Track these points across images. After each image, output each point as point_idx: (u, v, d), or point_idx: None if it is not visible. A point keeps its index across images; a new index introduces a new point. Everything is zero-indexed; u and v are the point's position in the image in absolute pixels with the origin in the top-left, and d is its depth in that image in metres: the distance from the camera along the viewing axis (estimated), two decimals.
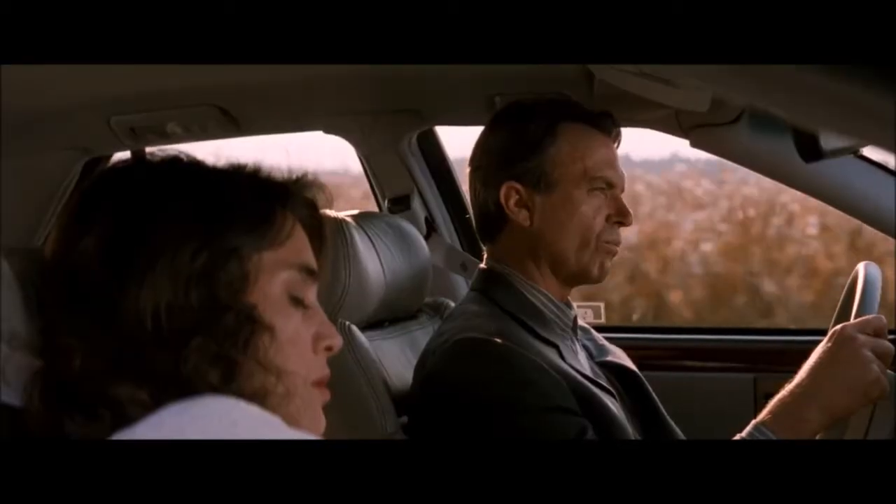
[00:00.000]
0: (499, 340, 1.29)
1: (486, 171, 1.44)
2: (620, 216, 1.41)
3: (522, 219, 1.41)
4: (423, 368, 1.37)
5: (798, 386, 1.22)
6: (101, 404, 0.71)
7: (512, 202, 1.41)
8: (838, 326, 1.24)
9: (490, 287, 1.42)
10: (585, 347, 1.50)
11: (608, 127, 1.44)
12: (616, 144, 1.46)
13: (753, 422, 1.24)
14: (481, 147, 1.46)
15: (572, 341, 1.43)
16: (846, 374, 1.19)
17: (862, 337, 1.20)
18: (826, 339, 1.25)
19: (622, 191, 1.43)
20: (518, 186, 1.40)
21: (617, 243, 1.42)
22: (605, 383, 1.39)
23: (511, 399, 1.26)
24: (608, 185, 1.41)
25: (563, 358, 1.34)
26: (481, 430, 1.25)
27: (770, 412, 1.23)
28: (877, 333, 1.22)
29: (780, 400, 1.23)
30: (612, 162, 1.42)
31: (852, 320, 1.29)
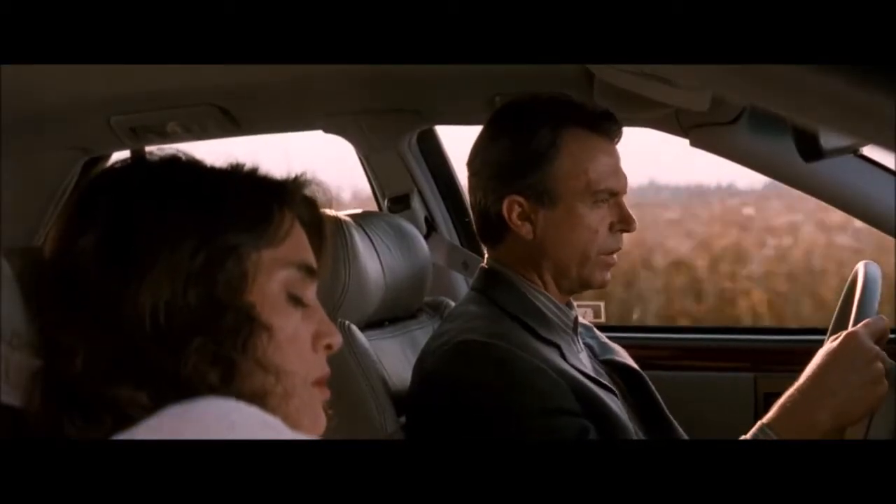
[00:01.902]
0: (498, 343, 1.29)
1: (488, 181, 1.42)
2: (623, 223, 1.40)
3: (525, 232, 1.40)
4: (422, 369, 1.37)
5: (806, 388, 1.21)
6: (100, 406, 0.71)
7: (515, 216, 1.40)
8: (848, 330, 1.23)
9: (490, 287, 1.42)
10: (588, 346, 1.50)
11: (610, 130, 1.42)
12: (616, 141, 1.44)
13: (759, 423, 1.23)
14: (480, 153, 1.44)
15: (574, 341, 1.43)
16: (856, 381, 1.18)
17: (874, 346, 1.19)
18: (833, 340, 1.24)
19: (625, 193, 1.42)
20: (521, 200, 1.39)
21: (619, 249, 1.42)
22: (606, 382, 1.39)
23: (511, 402, 1.26)
24: (611, 194, 1.40)
25: (564, 358, 1.34)
26: (481, 432, 1.25)
27: (777, 413, 1.22)
28: (881, 335, 1.22)
29: (787, 401, 1.22)
30: (614, 169, 1.40)
31: (853, 319, 1.28)
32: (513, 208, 1.39)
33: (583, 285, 1.42)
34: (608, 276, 1.42)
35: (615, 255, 1.42)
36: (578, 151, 1.39)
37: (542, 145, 1.38)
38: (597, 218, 1.39)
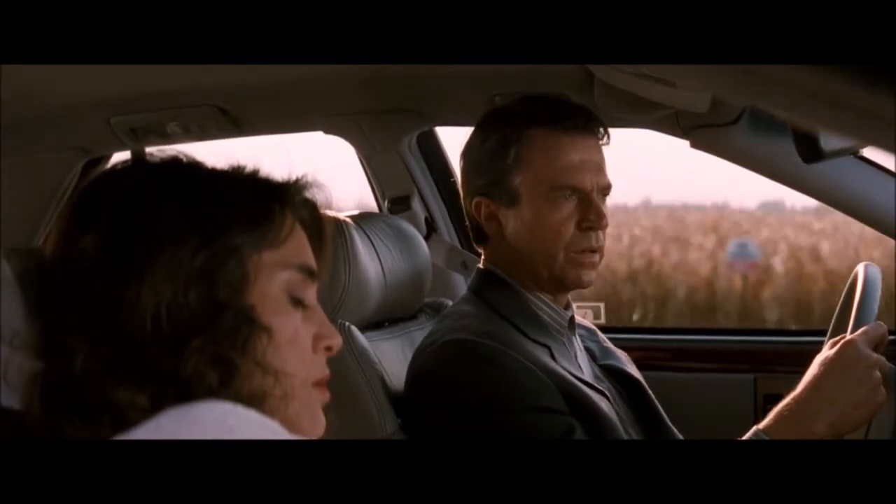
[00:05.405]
0: (486, 341, 1.29)
1: (463, 181, 1.45)
2: (590, 220, 1.36)
3: (495, 231, 1.41)
4: (413, 368, 1.37)
5: (803, 397, 1.20)
6: (100, 408, 0.71)
7: (483, 216, 1.41)
8: (846, 338, 1.22)
9: (484, 288, 1.42)
10: (589, 349, 1.50)
11: (582, 126, 1.38)
12: (598, 140, 1.39)
13: (755, 428, 1.22)
14: (461, 154, 1.46)
15: (568, 342, 1.42)
16: (854, 390, 1.18)
17: (872, 354, 1.19)
18: (830, 347, 1.23)
19: (597, 191, 1.37)
20: (486, 201, 1.40)
21: (593, 249, 1.37)
22: (600, 385, 1.38)
23: (497, 400, 1.26)
24: (573, 190, 1.36)
25: (553, 359, 1.34)
26: (469, 430, 1.25)
27: (773, 420, 1.21)
28: (879, 342, 1.21)
29: (784, 409, 1.21)
30: (578, 166, 1.36)
31: (852, 321, 1.28)
32: (480, 209, 1.41)
33: (558, 285, 1.39)
34: (588, 275, 1.38)
35: (595, 254, 1.38)
36: (538, 149, 1.37)
37: (503, 144, 1.38)
38: (559, 215, 1.36)
